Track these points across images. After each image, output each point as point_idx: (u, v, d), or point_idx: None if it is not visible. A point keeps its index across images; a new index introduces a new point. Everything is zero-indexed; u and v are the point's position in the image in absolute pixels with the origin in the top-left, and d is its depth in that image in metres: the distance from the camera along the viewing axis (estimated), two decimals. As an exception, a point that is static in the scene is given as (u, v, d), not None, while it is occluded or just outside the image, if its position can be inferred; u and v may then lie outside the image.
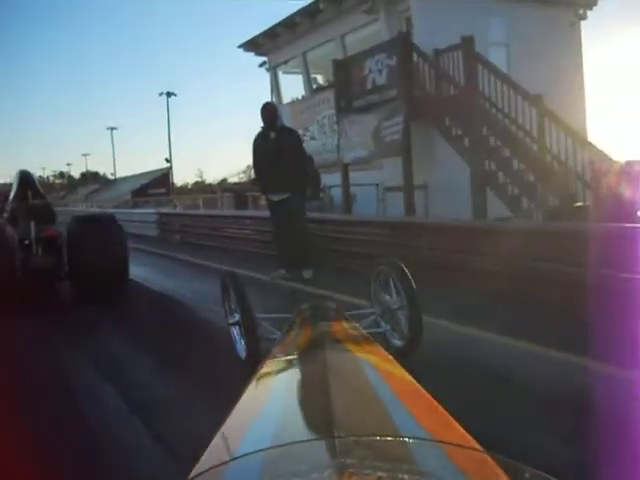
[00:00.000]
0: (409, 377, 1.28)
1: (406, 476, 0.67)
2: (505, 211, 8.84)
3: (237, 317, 3.84)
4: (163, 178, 52.38)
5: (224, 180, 48.90)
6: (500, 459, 0.73)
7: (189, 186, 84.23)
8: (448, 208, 9.42)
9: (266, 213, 8.10)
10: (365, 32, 13.33)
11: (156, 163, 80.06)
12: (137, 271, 7.86)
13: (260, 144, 7.57)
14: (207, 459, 0.87)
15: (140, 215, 16.92)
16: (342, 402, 1.03)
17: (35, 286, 6.70)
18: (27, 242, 6.58)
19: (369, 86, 11.23)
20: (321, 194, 12.16)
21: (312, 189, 11.19)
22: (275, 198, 7.45)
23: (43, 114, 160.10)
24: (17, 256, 6.42)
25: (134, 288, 7.23)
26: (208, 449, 0.92)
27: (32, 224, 6.66)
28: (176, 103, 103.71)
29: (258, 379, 1.36)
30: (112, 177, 73.41)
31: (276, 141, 7.36)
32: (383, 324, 3.95)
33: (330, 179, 13.14)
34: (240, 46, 17.09)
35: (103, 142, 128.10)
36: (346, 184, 12.03)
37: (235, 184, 29.07)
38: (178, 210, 20.71)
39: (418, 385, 1.21)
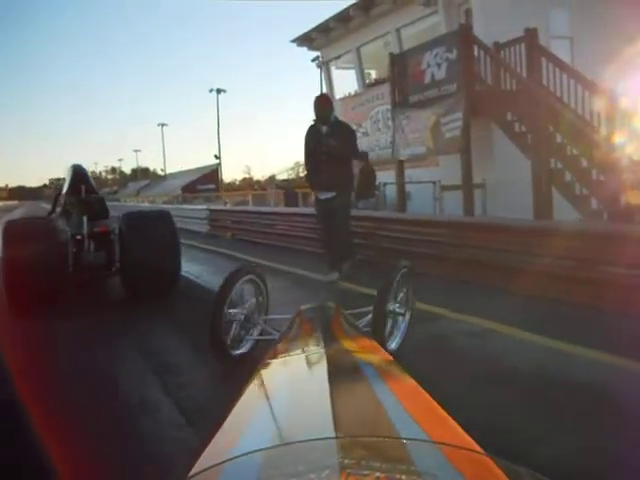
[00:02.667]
0: (409, 377, 1.28)
1: (404, 477, 0.67)
2: (571, 212, 8.39)
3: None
4: (212, 174, 53.27)
5: (272, 177, 49.17)
6: (499, 461, 0.72)
7: (237, 182, 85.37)
8: (507, 208, 9.12)
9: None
10: (422, 25, 13.07)
11: (205, 159, 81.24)
12: (189, 268, 7.71)
13: (311, 138, 7.15)
14: (206, 458, 0.87)
15: (191, 211, 16.94)
16: (341, 402, 1.05)
17: (86, 281, 6.71)
18: (79, 237, 6.49)
19: (427, 80, 10.90)
20: (376, 192, 11.90)
21: (368, 186, 10.91)
22: (322, 196, 7.12)
23: (97, 111, 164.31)
24: (70, 251, 6.36)
25: (186, 286, 6.98)
26: (207, 448, 0.91)
27: (85, 219, 6.56)
28: (225, 99, 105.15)
29: (258, 379, 1.35)
30: (162, 173, 75.02)
31: (328, 136, 6.95)
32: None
33: (383, 176, 12.87)
34: (293, 41, 17.03)
35: (154, 138, 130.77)
36: (401, 182, 11.75)
37: (283, 181, 29.04)
38: (229, 206, 20.69)
39: (418, 385, 1.21)
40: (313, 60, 17.50)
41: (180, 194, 45.16)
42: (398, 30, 13.64)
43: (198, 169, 62.70)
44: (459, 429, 0.95)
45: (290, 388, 1.31)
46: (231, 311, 3.78)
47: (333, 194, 6.95)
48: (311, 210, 8.82)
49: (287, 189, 20.75)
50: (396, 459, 0.75)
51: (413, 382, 1.24)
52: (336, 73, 17.05)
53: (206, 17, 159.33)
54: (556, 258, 5.41)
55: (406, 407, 1.10)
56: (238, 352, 3.82)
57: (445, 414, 1.03)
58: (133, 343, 4.81)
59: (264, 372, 1.41)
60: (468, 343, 4.38)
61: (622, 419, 2.74)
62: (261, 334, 3.89)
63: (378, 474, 0.67)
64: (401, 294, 3.90)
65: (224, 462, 0.78)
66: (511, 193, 9.40)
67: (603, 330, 4.19)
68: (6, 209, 47.76)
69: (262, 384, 1.35)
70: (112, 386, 3.72)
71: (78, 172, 7.67)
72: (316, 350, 1.50)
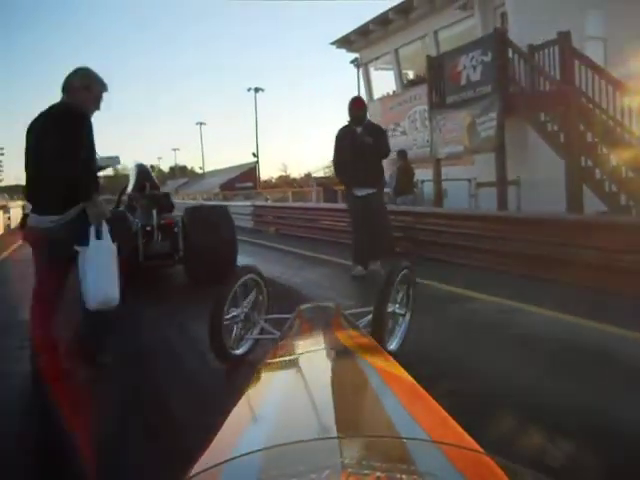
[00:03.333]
0: (409, 377, 1.29)
1: (405, 476, 0.67)
2: (602, 208, 8.83)
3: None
4: (250, 172, 53.72)
5: (308, 175, 49.52)
6: (499, 460, 0.73)
7: (273, 180, 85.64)
8: (541, 204, 9.49)
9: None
10: (459, 28, 13.51)
11: (242, 157, 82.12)
12: (241, 259, 8.38)
13: (345, 139, 7.38)
14: (206, 458, 0.87)
15: (235, 207, 17.65)
16: (341, 402, 1.06)
17: (154, 267, 7.53)
18: (149, 228, 7.25)
19: (463, 82, 11.37)
20: (415, 189, 12.41)
21: (406, 183, 11.43)
22: (359, 193, 7.33)
23: (136, 110, 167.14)
24: (140, 241, 7.11)
25: None
26: (208, 448, 0.92)
27: (154, 212, 7.32)
28: (263, 98, 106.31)
29: (258, 379, 1.37)
30: (200, 171, 75.79)
31: (363, 136, 7.22)
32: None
33: (420, 174, 13.35)
34: (332, 43, 17.59)
35: (192, 137, 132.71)
36: (438, 179, 12.24)
37: (322, 178, 29.70)
38: (271, 203, 21.45)
39: (418, 385, 1.22)
40: (352, 62, 18.04)
41: (219, 192, 45.91)
42: (436, 32, 14.11)
43: (236, 167, 63.13)
44: (459, 429, 0.96)
45: (291, 388, 1.31)
46: (232, 311, 3.77)
47: (372, 191, 7.25)
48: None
49: (326, 186, 21.38)
50: (397, 459, 0.77)
51: (413, 382, 1.25)
52: (374, 74, 17.59)
53: (243, 16, 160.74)
54: (579, 247, 5.95)
55: (406, 407, 1.11)
56: (238, 352, 3.84)
57: (445, 414, 1.04)
58: (197, 317, 5.52)
59: (265, 372, 1.43)
60: (498, 317, 5.05)
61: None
62: (261, 333, 3.89)
63: (379, 474, 0.68)
64: (401, 295, 3.91)
65: (225, 462, 0.79)
66: (544, 189, 9.76)
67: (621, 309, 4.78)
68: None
69: (263, 384, 1.36)
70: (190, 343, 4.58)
71: (142, 170, 8.53)
72: (316, 350, 1.51)
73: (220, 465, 0.79)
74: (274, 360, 1.53)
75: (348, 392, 1.20)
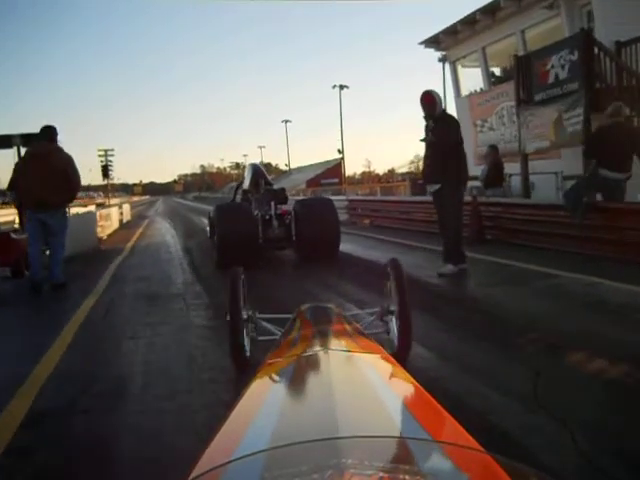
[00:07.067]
0: (409, 377, 1.30)
1: (407, 476, 0.67)
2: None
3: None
4: (335, 168, 54.70)
5: (392, 170, 50.03)
6: (500, 459, 0.74)
7: (357, 176, 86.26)
8: (629, 197, 9.87)
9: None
10: (545, 27, 13.96)
11: (327, 154, 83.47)
12: (344, 246, 9.45)
13: (425, 134, 7.17)
14: (208, 460, 0.87)
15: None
16: (342, 402, 1.05)
17: (270, 249, 8.87)
18: (267, 217, 8.46)
19: (551, 80, 11.79)
20: (504, 182, 13.00)
21: (495, 177, 12.12)
22: (430, 189, 7.17)
23: (223, 110, 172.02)
24: (259, 227, 8.44)
25: (344, 257, 8.93)
26: (208, 449, 0.93)
27: (273, 204, 8.54)
28: (348, 95, 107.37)
29: (258, 379, 1.38)
30: (286, 168, 77.44)
31: (433, 130, 7.00)
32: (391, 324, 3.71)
33: (508, 168, 13.79)
34: (421, 43, 18.28)
35: (277, 134, 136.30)
36: (525, 173, 12.75)
37: (406, 173, 30.40)
38: (363, 197, 22.52)
39: (418, 385, 1.24)
40: (440, 60, 18.56)
41: (305, 188, 47.12)
42: (522, 31, 14.59)
43: (321, 163, 64.38)
44: (461, 429, 0.98)
45: (292, 388, 1.31)
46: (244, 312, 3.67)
47: (437, 186, 6.97)
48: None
49: (412, 180, 22.21)
50: (399, 459, 0.78)
51: (414, 382, 1.26)
52: (462, 71, 18.14)
53: (326, 15, 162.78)
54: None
55: (408, 407, 1.13)
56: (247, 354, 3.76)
57: (447, 414, 1.06)
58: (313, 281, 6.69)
59: (266, 372, 1.44)
60: (577, 287, 6.05)
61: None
62: (262, 334, 3.76)
63: (381, 474, 0.68)
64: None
65: (226, 463, 0.80)
66: (634, 182, 10.12)
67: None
68: (141, 203, 52.37)
69: (264, 384, 1.36)
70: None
71: (256, 169, 9.81)
72: (317, 350, 1.48)
73: (222, 466, 0.80)
74: (275, 360, 1.55)
75: (349, 393, 1.17)
